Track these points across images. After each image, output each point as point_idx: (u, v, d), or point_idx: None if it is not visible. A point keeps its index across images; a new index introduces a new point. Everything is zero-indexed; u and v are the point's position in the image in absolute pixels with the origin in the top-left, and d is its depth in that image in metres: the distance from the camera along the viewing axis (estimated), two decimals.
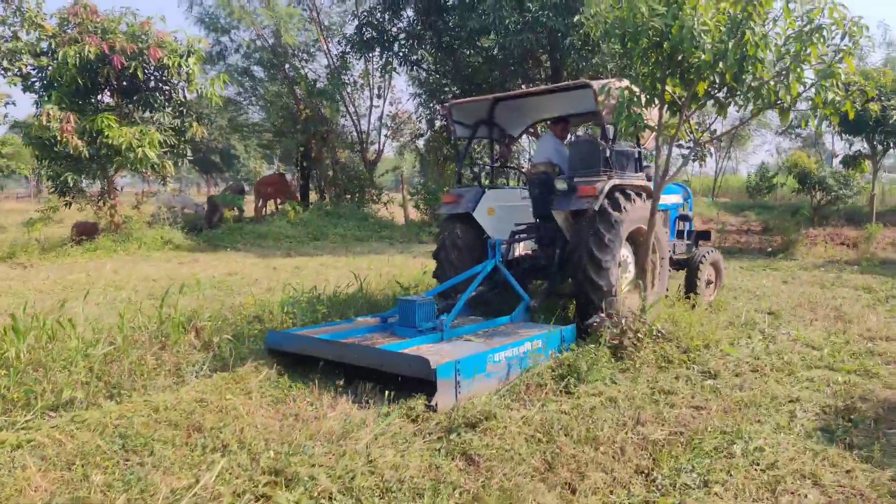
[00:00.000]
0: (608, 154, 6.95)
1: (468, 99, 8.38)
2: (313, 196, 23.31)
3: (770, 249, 15.46)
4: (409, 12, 18.27)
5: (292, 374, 5.60)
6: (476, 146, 23.87)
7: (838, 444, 4.14)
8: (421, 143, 22.58)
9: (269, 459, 3.79)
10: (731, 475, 3.70)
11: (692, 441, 4.13)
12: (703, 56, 5.34)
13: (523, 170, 9.78)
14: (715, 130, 14.39)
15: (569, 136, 8.57)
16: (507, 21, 15.01)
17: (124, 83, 15.08)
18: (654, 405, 4.85)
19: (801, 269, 12.87)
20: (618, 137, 7.27)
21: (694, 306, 7.08)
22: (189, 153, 15.86)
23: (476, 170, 8.95)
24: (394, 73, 20.90)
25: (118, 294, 9.72)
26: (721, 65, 5.51)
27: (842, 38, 5.69)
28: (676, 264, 8.55)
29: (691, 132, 6.51)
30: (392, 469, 3.77)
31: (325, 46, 22.17)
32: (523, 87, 17.32)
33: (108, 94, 15.50)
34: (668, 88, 6.21)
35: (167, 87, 15.38)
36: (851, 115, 5.69)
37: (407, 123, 23.40)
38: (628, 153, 7.44)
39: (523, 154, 19.49)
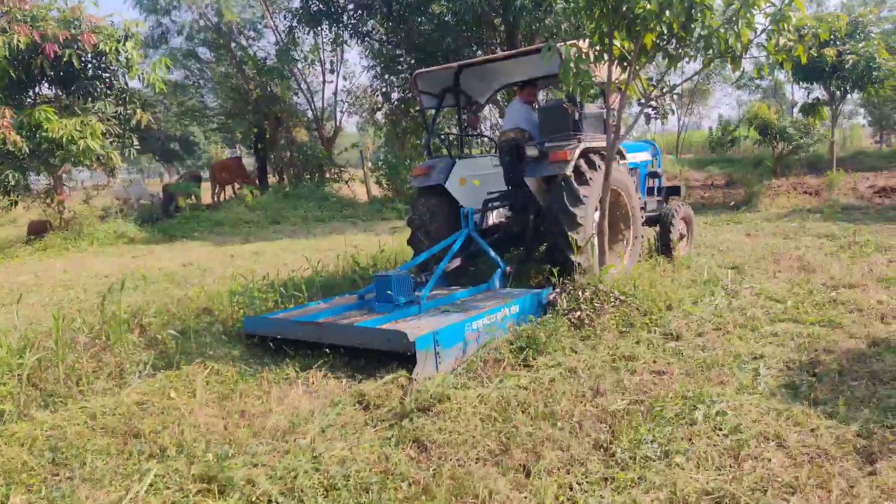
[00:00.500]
0: (577, 117, 6.86)
1: (432, 68, 8.20)
2: (273, 179, 22.76)
3: (733, 203, 15.43)
4: None
5: (246, 364, 5.35)
6: (443, 116, 23.54)
7: (802, 401, 4.01)
8: (379, 116, 22.08)
9: (202, 465, 3.53)
10: (692, 443, 3.54)
11: (653, 409, 3.96)
12: (648, 6, 5.09)
13: (492, 137, 9.64)
14: (667, 84, 14.25)
15: (537, 100, 8.40)
16: None
17: (62, 73, 14.41)
18: (614, 373, 4.68)
19: (764, 220, 12.86)
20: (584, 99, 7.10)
21: (654, 267, 6.93)
22: (136, 142, 15.25)
23: (445, 139, 8.76)
24: (345, 46, 20.39)
25: (66, 294, 9.32)
26: (668, 14, 5.26)
27: None
28: (648, 221, 8.62)
29: (643, 88, 6.27)
30: (338, 464, 3.55)
31: (272, 22, 21.48)
32: (479, 53, 16.96)
33: (47, 85, 14.83)
34: (617, 43, 5.96)
35: (107, 75, 14.74)
36: (804, 61, 5.51)
37: (363, 98, 22.90)
38: (597, 115, 7.34)
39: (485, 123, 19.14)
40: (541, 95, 9.47)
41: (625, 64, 6.08)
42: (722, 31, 5.37)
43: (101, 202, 19.51)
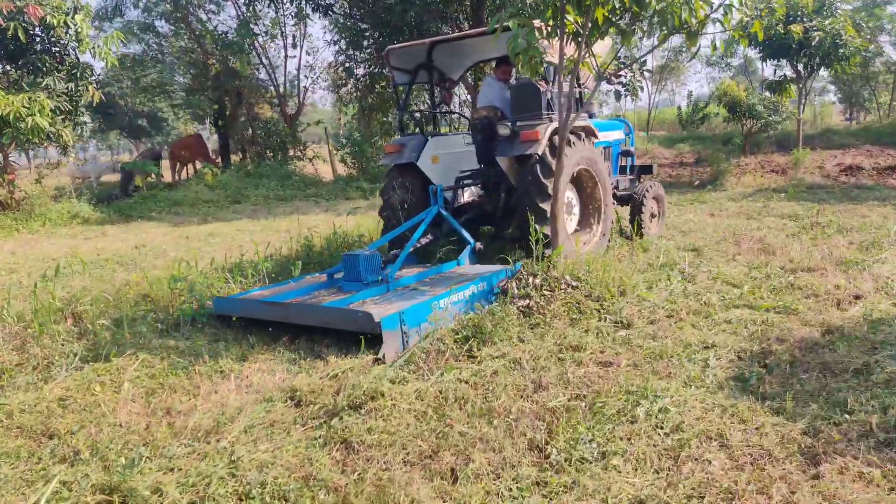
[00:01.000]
0: (549, 96, 6.83)
1: (405, 44, 8.12)
2: (236, 157, 22.21)
3: (697, 182, 15.32)
4: None
5: (180, 356, 5.08)
6: (414, 92, 23.06)
7: (750, 396, 3.85)
8: (344, 93, 21.58)
9: (105, 473, 3.29)
10: (632, 443, 3.36)
11: (594, 405, 3.78)
12: None
13: (465, 115, 9.57)
14: (630, 61, 13.99)
15: (511, 78, 8.20)
16: None
17: (11, 47, 13.79)
18: (559, 364, 4.50)
19: (729, 199, 12.77)
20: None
21: (609, 250, 6.75)
22: (88, 119, 14.69)
23: (415, 117, 8.70)
24: (308, 20, 19.82)
25: (9, 278, 8.94)
26: None
27: None
28: (620, 200, 8.64)
29: (598, 65, 6.04)
30: (257, 468, 3.32)
31: None
32: (445, 29, 16.56)
33: None
34: (570, 18, 5.71)
35: (56, 49, 14.12)
36: (761, 37, 5.31)
37: (326, 73, 22.37)
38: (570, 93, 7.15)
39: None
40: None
41: (579, 40, 5.84)
42: (676, 5, 5.13)
43: (58, 181, 18.95)
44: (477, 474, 3.16)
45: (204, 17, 20.95)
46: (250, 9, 19.21)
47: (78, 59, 13.96)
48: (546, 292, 5.61)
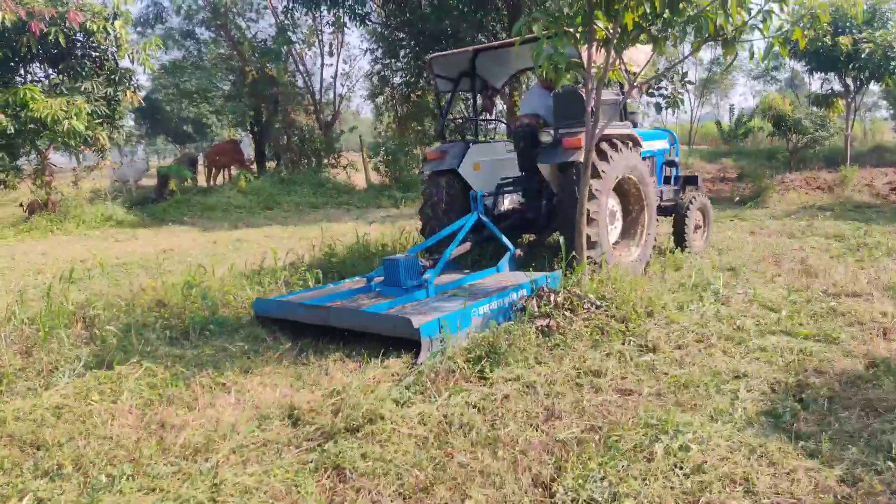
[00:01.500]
0: (592, 104, 6.46)
1: (448, 52, 8.14)
2: (271, 163, 22.30)
3: (738, 198, 14.77)
4: None
5: (184, 366, 4.92)
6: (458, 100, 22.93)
7: (782, 434, 3.51)
8: (380, 101, 21.52)
9: (78, 491, 3.11)
10: (647, 484, 3.06)
11: (609, 438, 3.48)
12: None
13: (507, 122, 9.59)
14: (676, 73, 13.64)
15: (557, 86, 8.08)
16: None
17: (54, 51, 14.03)
18: (576, 390, 4.21)
19: (771, 217, 12.26)
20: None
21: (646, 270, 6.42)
22: (126, 123, 14.84)
23: (457, 124, 8.72)
24: (346, 29, 19.83)
25: (35, 279, 8.96)
26: None
27: None
28: (664, 211, 8.57)
29: (628, 73, 5.74)
30: (241, 493, 3.11)
31: (270, 3, 20.90)
32: (481, 38, 16.36)
33: (38, 64, 14.46)
34: (600, 24, 5.44)
35: (96, 54, 14.31)
36: (802, 45, 4.96)
37: (362, 82, 22.36)
38: (612, 102, 7.13)
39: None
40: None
41: (610, 47, 5.56)
42: (710, 10, 4.82)
43: (98, 184, 19.22)
44: None
45: (243, 24, 21.13)
46: (288, 16, 19.30)
47: (117, 63, 14.12)
48: (567, 311, 5.32)
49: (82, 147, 14.38)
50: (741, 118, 25.97)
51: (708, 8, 4.87)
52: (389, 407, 3.89)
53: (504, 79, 9.13)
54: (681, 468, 3.18)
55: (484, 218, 7.02)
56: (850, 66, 14.98)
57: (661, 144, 9.03)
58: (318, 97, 22.40)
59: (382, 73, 20.70)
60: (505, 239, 6.90)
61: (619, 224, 7.50)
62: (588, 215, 6.29)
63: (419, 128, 20.15)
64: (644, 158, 7.80)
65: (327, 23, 20.58)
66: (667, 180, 9.13)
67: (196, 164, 21.13)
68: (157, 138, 49.11)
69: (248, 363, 5.00)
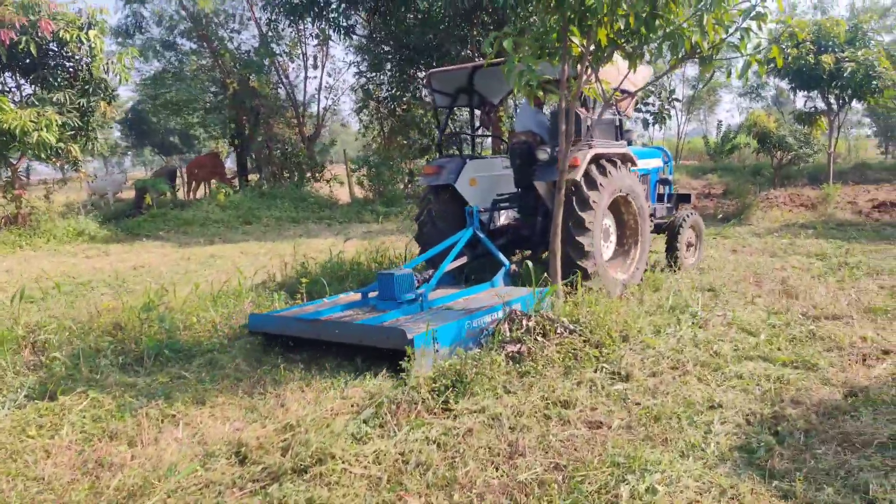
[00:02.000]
0: (588, 123, 6.81)
1: (447, 68, 8.25)
2: (254, 176, 21.99)
3: (721, 216, 14.66)
4: None
5: (134, 396, 4.67)
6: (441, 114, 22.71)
7: (755, 473, 3.31)
8: (364, 115, 21.33)
9: None
10: None
11: (573, 479, 3.26)
12: None
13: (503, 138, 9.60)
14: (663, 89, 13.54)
15: (545, 103, 8.38)
16: None
17: (25, 61, 13.74)
18: (543, 423, 3.99)
19: (754, 235, 12.13)
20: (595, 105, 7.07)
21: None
22: (98, 136, 14.54)
23: (454, 139, 8.71)
24: (330, 42, 19.68)
25: None
26: (623, 6, 4.57)
27: None
28: (657, 228, 8.64)
29: (604, 91, 5.57)
30: None
31: (253, 14, 20.69)
32: (465, 52, 16.22)
33: (8, 74, 14.16)
34: (576, 40, 5.27)
35: (70, 64, 14.04)
36: (780, 63, 4.82)
37: (350, 94, 22.16)
38: (608, 121, 7.46)
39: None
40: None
41: (586, 63, 5.39)
42: (686, 28, 4.66)
43: (72, 197, 18.87)
44: None
45: (226, 35, 20.88)
46: (272, 28, 19.08)
47: (91, 74, 13.84)
48: (540, 336, 5.11)
49: (54, 159, 14.05)
50: (728, 134, 25.97)
51: (684, 25, 4.71)
52: (343, 444, 3.66)
53: (501, 95, 9.12)
54: None
55: (479, 233, 7.09)
56: (833, 85, 14.97)
57: (655, 162, 9.13)
58: (301, 110, 22.15)
59: (367, 86, 20.52)
60: (500, 255, 6.95)
61: (613, 241, 7.56)
62: (583, 225, 6.42)
63: (404, 142, 19.97)
64: (638, 176, 7.86)
65: (311, 35, 20.41)
66: (660, 198, 9.18)
67: (175, 177, 20.82)
68: (143, 149, 48.75)
69: (201, 392, 4.76)
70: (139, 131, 39.31)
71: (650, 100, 25.15)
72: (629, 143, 7.81)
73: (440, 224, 7.60)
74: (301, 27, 19.83)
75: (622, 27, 4.84)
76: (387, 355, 4.89)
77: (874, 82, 14.21)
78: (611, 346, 5.19)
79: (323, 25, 17.86)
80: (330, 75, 21.81)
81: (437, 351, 4.83)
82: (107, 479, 3.50)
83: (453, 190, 7.64)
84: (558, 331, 5.16)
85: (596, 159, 6.72)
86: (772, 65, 5.20)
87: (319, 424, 4.00)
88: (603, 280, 6.63)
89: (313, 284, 7.56)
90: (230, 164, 25.94)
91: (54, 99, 13.35)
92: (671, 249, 8.51)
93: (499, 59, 7.99)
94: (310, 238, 13.77)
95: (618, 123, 7.63)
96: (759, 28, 4.88)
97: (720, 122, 29.72)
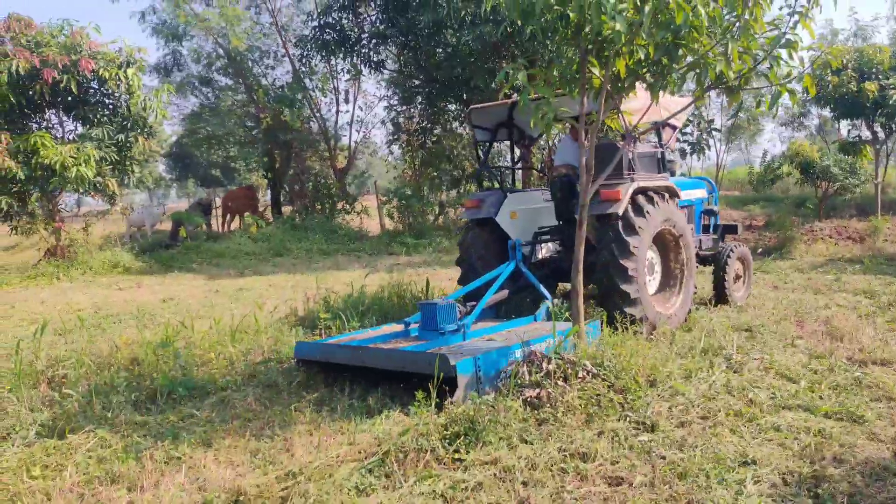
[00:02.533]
0: (631, 156, 6.87)
1: (487, 104, 8.36)
2: (288, 209, 22.23)
3: (761, 250, 14.14)
4: (370, 11, 17.19)
5: (143, 436, 4.56)
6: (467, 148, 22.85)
7: None
8: (396, 148, 21.47)
9: None
10: None
11: None
12: (616, 26, 4.20)
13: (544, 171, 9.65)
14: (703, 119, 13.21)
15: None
16: (462, 13, 13.95)
17: (69, 99, 14.14)
18: (558, 478, 3.73)
19: (796, 270, 11.64)
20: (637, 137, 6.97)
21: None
22: (136, 170, 14.82)
23: (495, 172, 9.18)
24: (362, 76, 19.92)
25: (26, 331, 8.70)
26: (643, 36, 4.38)
27: None
28: (703, 260, 8.58)
29: (627, 122, 5.36)
30: None
31: (286, 51, 21.07)
32: (493, 85, 16.16)
33: (52, 111, 14.57)
34: (595, 71, 5.10)
35: (109, 101, 14.40)
36: (812, 92, 4.58)
37: (381, 126, 22.34)
38: (651, 154, 7.52)
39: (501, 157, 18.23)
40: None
41: (605, 95, 5.20)
42: (711, 57, 4.44)
43: (110, 229, 19.23)
44: None
45: (261, 71, 21.32)
46: (305, 64, 19.40)
47: (129, 111, 14.14)
48: (561, 380, 4.85)
49: (92, 193, 14.35)
50: (770, 165, 25.34)
51: (709, 55, 4.49)
52: (343, 498, 3.46)
53: (540, 129, 9.10)
54: None
55: (522, 267, 7.12)
56: (878, 113, 14.46)
57: (699, 193, 9.05)
58: (332, 143, 22.38)
59: (397, 119, 20.64)
60: (542, 288, 6.97)
61: (657, 275, 7.49)
62: (627, 272, 6.38)
63: (434, 174, 19.97)
64: (682, 208, 7.88)
65: (343, 70, 20.68)
66: (706, 229, 9.11)
67: (210, 209, 21.12)
68: (187, 182, 49.86)
69: (209, 434, 4.62)
70: (183, 164, 40.16)
71: (688, 129, 24.73)
72: (672, 175, 7.81)
73: (481, 257, 7.67)
74: (333, 62, 20.10)
75: (642, 57, 4.64)
76: (415, 387, 4.80)
77: None
78: (637, 391, 4.89)
79: (354, 60, 18.08)
80: (361, 109, 22.11)
81: (480, 379, 4.84)
82: None
83: (494, 223, 7.65)
84: (580, 374, 4.89)
85: (639, 192, 6.73)
86: (805, 95, 4.92)
87: (322, 473, 3.81)
88: (648, 315, 6.57)
89: (334, 319, 7.45)
90: (267, 198, 26.26)
91: (93, 135, 13.67)
92: (718, 282, 8.33)
93: (539, 96, 7.97)
94: (338, 270, 13.71)
95: (660, 156, 7.63)
96: (790, 56, 4.64)
97: (766, 151, 29.03)
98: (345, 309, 7.79)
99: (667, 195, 7.23)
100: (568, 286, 8.15)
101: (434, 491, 3.60)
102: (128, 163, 14.45)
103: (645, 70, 4.74)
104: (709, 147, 29.57)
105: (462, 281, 7.79)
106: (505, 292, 6.99)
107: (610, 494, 3.53)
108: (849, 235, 15.45)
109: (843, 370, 5.50)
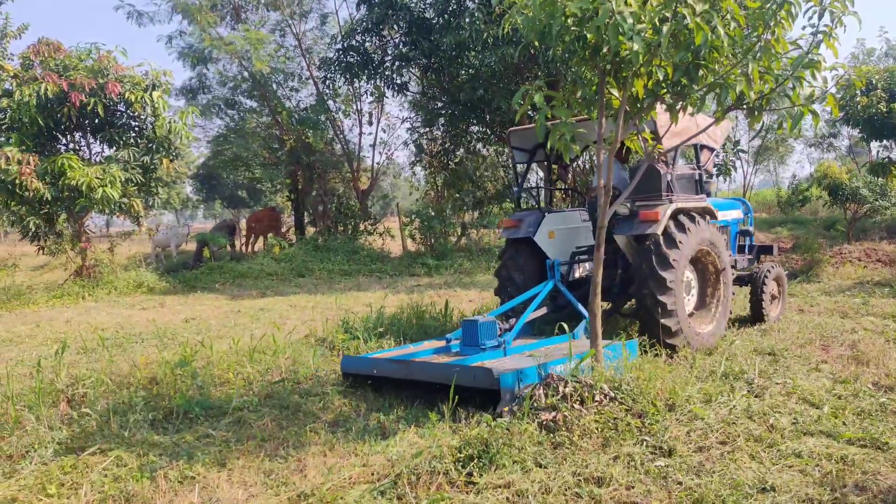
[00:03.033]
0: (669, 178, 7.05)
1: (525, 126, 8.53)
2: (311, 230, 22.42)
3: (787, 272, 13.90)
4: (394, 34, 17.42)
5: (159, 455, 4.57)
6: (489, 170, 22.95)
7: None
8: (419, 169, 21.59)
9: None
10: None
11: None
12: (634, 46, 4.19)
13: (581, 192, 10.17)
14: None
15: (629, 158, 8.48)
16: (484, 35, 14.07)
17: (96, 121, 14.46)
18: (572, 502, 3.66)
19: (823, 293, 11.42)
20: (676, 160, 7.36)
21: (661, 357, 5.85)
22: (160, 192, 15.06)
23: (534, 194, 9.48)
24: (385, 98, 20.13)
25: (50, 349, 8.81)
26: (661, 56, 4.37)
27: (819, 17, 4.51)
28: (738, 280, 8.68)
29: (646, 143, 5.34)
30: None
31: (310, 73, 21.37)
32: (516, 107, 16.23)
33: (79, 133, 14.89)
34: (615, 93, 5.09)
35: (136, 123, 14.69)
36: (836, 113, 4.50)
37: (401, 149, 22.52)
38: (688, 175, 7.74)
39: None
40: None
41: (626, 116, 5.18)
42: (732, 77, 4.41)
43: (136, 249, 19.52)
44: None
45: (285, 93, 21.62)
46: (328, 86, 19.66)
47: (155, 133, 14.40)
48: (577, 403, 4.79)
49: (118, 214, 14.60)
50: (799, 186, 25.02)
51: (729, 74, 4.46)
52: None
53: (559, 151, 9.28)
54: None
55: (561, 286, 7.34)
56: None
57: (735, 214, 9.19)
58: (355, 164, 22.58)
59: (419, 140, 20.79)
60: (580, 307, 7.10)
61: (694, 295, 7.60)
62: (665, 283, 6.50)
63: (457, 195, 20.03)
64: (719, 228, 8.02)
65: (366, 92, 20.92)
66: (741, 249, 9.24)
67: (235, 231, 21.36)
68: (214, 203, 50.51)
69: (224, 454, 4.62)
70: (209, 186, 40.76)
71: (716, 151, 24.51)
72: (708, 195, 8.00)
73: (519, 275, 7.84)
74: (356, 85, 20.34)
75: (660, 78, 4.62)
76: (461, 402, 4.99)
77: None
78: (654, 415, 4.81)
79: (378, 83, 18.29)
80: (384, 131, 22.39)
81: (522, 393, 4.92)
82: None
83: (532, 242, 7.81)
84: (597, 398, 4.83)
85: (677, 213, 6.90)
86: (831, 115, 4.86)
87: (334, 495, 3.80)
88: (685, 334, 6.68)
89: (352, 339, 7.46)
90: (291, 219, 26.52)
91: (119, 156, 13.94)
92: (756, 302, 8.46)
93: (575, 118, 8.09)
94: (359, 291, 13.75)
95: (698, 177, 7.82)
96: (813, 76, 4.59)
97: (794, 174, 28.77)
98: (363, 331, 7.81)
99: (704, 216, 7.38)
100: (605, 305, 8.37)
101: None
102: (153, 184, 14.71)
103: (664, 91, 4.71)
104: (735, 168, 29.39)
105: (501, 298, 8.01)
106: (544, 310, 7.17)
107: None
108: (878, 258, 15.15)
109: (869, 395, 5.36)
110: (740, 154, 29.85)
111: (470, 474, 4.01)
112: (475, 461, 4.11)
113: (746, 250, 9.32)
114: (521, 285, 7.67)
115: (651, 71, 4.53)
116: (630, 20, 4.04)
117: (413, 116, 21.35)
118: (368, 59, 17.36)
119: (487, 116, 17.58)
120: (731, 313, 7.90)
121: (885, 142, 16.46)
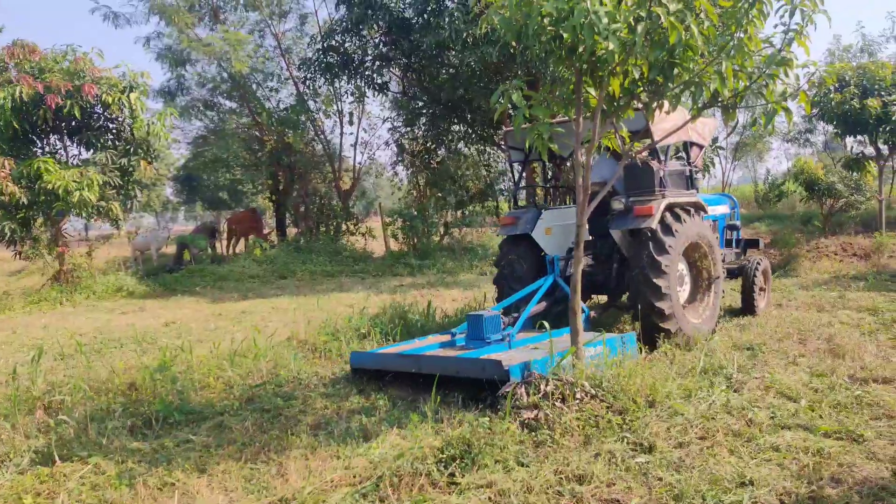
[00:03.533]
0: (661, 174, 7.25)
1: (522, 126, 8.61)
2: (293, 231, 22.29)
3: None
4: (373, 33, 17.38)
5: (137, 462, 4.53)
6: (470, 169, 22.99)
7: None
8: (401, 169, 21.56)
9: None
10: None
11: None
12: (609, 45, 4.21)
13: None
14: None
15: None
16: (464, 35, 14.09)
17: (73, 123, 14.28)
18: (554, 501, 3.68)
19: (801, 287, 11.56)
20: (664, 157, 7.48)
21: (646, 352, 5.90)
22: (138, 194, 14.91)
23: (531, 192, 9.72)
24: (365, 97, 20.08)
25: (25, 356, 8.69)
26: (638, 55, 4.39)
27: (790, 16, 4.56)
28: (729, 273, 8.92)
29: (624, 141, 5.37)
30: None
31: (290, 74, 21.25)
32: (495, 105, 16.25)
33: (56, 136, 14.70)
34: (592, 91, 5.12)
35: (113, 126, 14.52)
36: (808, 110, 4.57)
37: (382, 148, 22.47)
38: (680, 172, 7.98)
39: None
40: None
41: (604, 115, 5.21)
42: (706, 75, 4.45)
43: (118, 253, 19.31)
44: None
45: (265, 94, 21.46)
46: (309, 87, 19.57)
47: (133, 134, 14.25)
48: (558, 401, 4.81)
49: (95, 217, 14.42)
50: (775, 182, 25.27)
51: (703, 72, 4.50)
52: None
53: (572, 149, 9.40)
54: None
55: (560, 281, 7.53)
56: (882, 129, 14.44)
57: (722, 209, 9.51)
58: (337, 165, 22.48)
59: (401, 140, 20.76)
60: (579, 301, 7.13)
61: (687, 287, 7.81)
62: (660, 272, 6.74)
63: (439, 194, 20.03)
64: (709, 223, 8.25)
65: (346, 92, 20.85)
66: (728, 243, 9.54)
67: (215, 233, 21.19)
68: (195, 205, 50.02)
69: (204, 459, 4.59)
70: (190, 188, 40.44)
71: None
72: (696, 191, 8.22)
73: (518, 271, 8.02)
74: (336, 85, 20.27)
75: (636, 77, 4.65)
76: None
77: None
78: (635, 412, 4.85)
79: (358, 82, 18.25)
80: (365, 130, 22.25)
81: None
82: None
83: (530, 239, 7.99)
84: (578, 395, 4.85)
85: (670, 208, 7.13)
86: (803, 112, 4.92)
87: (316, 499, 3.79)
88: (681, 325, 6.90)
89: (334, 341, 7.43)
90: (273, 220, 26.36)
91: (97, 159, 13.77)
92: (747, 293, 8.82)
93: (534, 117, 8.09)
94: (342, 292, 13.70)
95: (688, 174, 8.06)
96: (786, 74, 4.65)
97: (768, 170, 29.05)
98: (345, 332, 7.79)
99: (695, 211, 7.61)
100: (601, 298, 8.82)
101: None
102: (131, 187, 14.54)
103: (640, 89, 4.74)
104: (713, 165, 29.59)
105: (499, 294, 8.19)
106: (544, 304, 7.36)
107: None
108: (854, 252, 15.35)
109: (844, 388, 5.44)
110: (719, 151, 30.10)
111: (452, 475, 4.02)
112: (457, 461, 4.12)
113: (734, 244, 9.61)
114: (520, 281, 7.85)
115: (627, 70, 4.56)
116: (605, 20, 4.06)
117: (394, 116, 21.35)
118: (348, 59, 17.31)
119: (468, 116, 17.62)
120: (720, 306, 8.16)
121: (858, 137, 16.68)
